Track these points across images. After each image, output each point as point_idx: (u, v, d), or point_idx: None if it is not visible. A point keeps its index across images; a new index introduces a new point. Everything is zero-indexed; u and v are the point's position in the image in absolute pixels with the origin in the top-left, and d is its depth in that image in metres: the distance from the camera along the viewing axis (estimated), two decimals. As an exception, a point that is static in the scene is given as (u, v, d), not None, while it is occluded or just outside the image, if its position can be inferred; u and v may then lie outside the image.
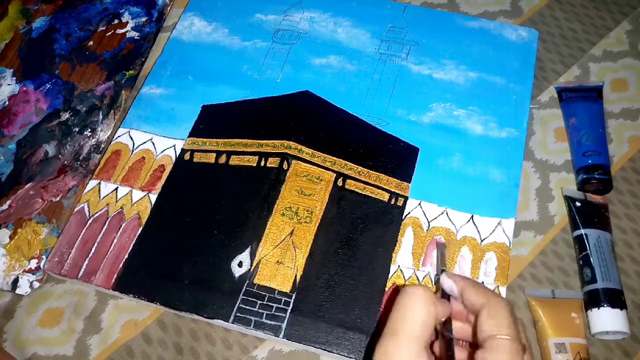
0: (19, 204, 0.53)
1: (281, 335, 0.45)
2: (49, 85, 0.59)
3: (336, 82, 0.57)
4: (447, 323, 0.32)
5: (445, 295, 0.34)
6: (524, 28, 0.60)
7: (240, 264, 0.48)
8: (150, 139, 0.55)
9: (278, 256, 0.48)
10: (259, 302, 0.46)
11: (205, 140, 0.54)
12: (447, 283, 0.34)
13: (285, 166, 0.52)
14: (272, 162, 0.52)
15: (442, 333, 0.32)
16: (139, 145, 0.54)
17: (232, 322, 0.45)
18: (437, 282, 0.47)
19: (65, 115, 0.57)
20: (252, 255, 0.48)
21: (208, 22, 0.62)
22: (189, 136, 0.54)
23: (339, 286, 0.47)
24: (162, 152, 0.54)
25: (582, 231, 0.49)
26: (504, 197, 0.51)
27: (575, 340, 0.45)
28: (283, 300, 0.46)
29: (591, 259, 0.48)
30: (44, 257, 0.50)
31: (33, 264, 0.50)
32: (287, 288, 0.47)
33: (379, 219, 0.50)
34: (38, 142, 0.56)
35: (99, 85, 0.59)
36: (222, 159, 0.53)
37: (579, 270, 0.49)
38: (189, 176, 0.52)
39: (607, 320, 0.46)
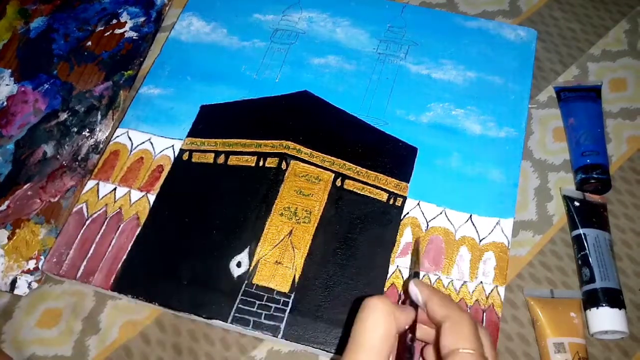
0: (17, 204, 0.53)
1: (280, 336, 0.45)
2: (47, 86, 0.59)
3: (335, 82, 0.57)
4: (411, 330, 0.33)
5: (413, 303, 0.34)
6: (522, 28, 0.60)
7: (238, 264, 0.48)
8: (149, 139, 0.54)
9: (277, 256, 0.48)
10: (257, 302, 0.46)
11: (203, 140, 0.54)
12: (413, 291, 0.34)
13: (283, 166, 0.52)
14: (271, 162, 0.52)
15: (403, 340, 0.33)
16: (137, 146, 0.54)
17: (231, 323, 0.45)
18: (404, 284, 0.46)
19: (63, 116, 0.57)
20: (251, 256, 0.48)
21: (206, 22, 0.62)
22: (187, 136, 0.54)
23: (338, 286, 0.47)
24: (160, 152, 0.54)
25: (581, 231, 0.49)
26: (502, 196, 0.51)
27: (574, 340, 0.45)
28: (282, 301, 0.46)
29: (590, 259, 0.48)
30: (42, 257, 0.50)
31: (31, 264, 0.50)
32: (285, 288, 0.47)
33: (377, 219, 0.50)
34: (36, 143, 0.56)
35: (98, 85, 0.59)
36: (221, 159, 0.53)
37: (578, 270, 0.49)
38: (188, 176, 0.52)
39: (606, 319, 0.46)
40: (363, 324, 0.31)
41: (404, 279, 0.47)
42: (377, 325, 0.31)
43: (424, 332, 0.35)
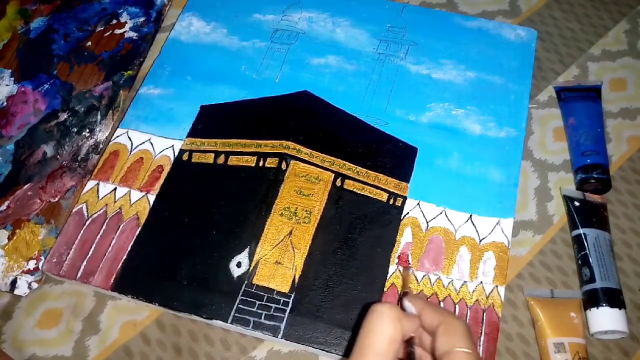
0: (17, 204, 0.53)
1: (280, 336, 0.45)
2: (47, 86, 0.59)
3: (335, 82, 0.57)
4: (411, 339, 0.34)
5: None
6: (522, 28, 0.60)
7: (238, 264, 0.48)
8: (149, 140, 0.54)
9: (277, 256, 0.48)
10: (257, 302, 0.46)
11: (203, 140, 0.54)
12: (407, 305, 0.36)
13: (283, 166, 0.52)
14: (271, 162, 0.52)
15: (407, 347, 0.33)
16: (137, 146, 0.54)
17: (231, 323, 0.45)
18: (399, 300, 0.47)
19: (63, 116, 0.57)
20: (251, 256, 0.48)
21: (206, 22, 0.62)
22: (187, 136, 0.54)
23: (338, 286, 0.47)
24: (160, 152, 0.54)
25: (581, 231, 0.49)
26: (502, 196, 0.51)
27: (574, 340, 0.45)
28: (282, 301, 0.46)
29: (590, 259, 0.48)
30: (42, 257, 0.50)
31: (31, 264, 0.50)
32: (285, 288, 0.47)
33: (377, 219, 0.50)
34: (36, 143, 0.56)
35: (97, 85, 0.59)
36: (221, 159, 0.53)
37: (578, 269, 0.49)
38: (188, 176, 0.52)
39: (606, 319, 0.46)
40: (370, 329, 0.32)
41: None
42: (384, 330, 0.32)
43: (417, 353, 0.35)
